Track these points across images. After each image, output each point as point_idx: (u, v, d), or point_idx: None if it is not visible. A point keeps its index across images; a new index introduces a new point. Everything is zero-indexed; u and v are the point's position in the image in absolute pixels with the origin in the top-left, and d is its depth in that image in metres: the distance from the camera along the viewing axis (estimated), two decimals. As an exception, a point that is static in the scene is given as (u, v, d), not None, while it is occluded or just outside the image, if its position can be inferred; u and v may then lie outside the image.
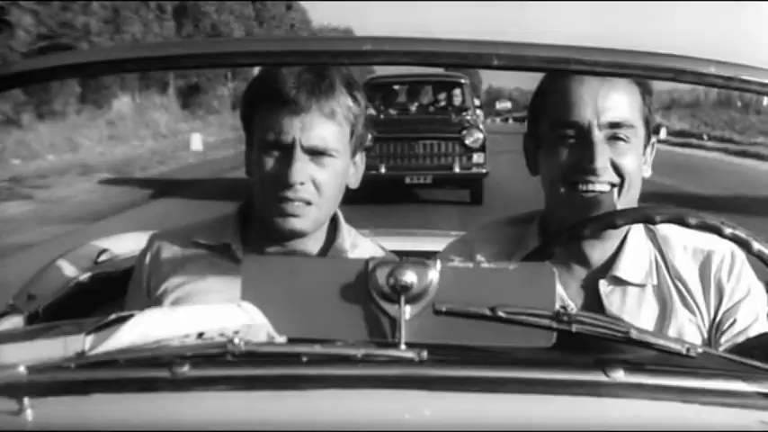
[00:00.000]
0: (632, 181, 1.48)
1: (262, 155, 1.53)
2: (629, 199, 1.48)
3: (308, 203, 1.52)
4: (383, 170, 11.12)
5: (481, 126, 12.23)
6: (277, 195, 1.51)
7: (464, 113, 12.60)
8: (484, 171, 11.67)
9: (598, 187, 1.46)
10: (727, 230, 1.36)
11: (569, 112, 1.46)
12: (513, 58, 1.05)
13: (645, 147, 1.53)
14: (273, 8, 37.60)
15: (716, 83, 1.07)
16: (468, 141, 11.59)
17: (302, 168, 1.50)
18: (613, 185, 1.47)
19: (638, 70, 1.08)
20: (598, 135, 1.45)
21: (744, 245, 1.36)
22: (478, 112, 13.58)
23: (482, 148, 11.64)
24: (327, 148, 1.52)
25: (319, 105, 1.51)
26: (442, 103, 13.51)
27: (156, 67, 1.13)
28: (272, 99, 1.51)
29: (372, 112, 11.50)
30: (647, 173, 1.56)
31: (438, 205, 11.86)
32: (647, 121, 1.52)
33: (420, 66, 1.17)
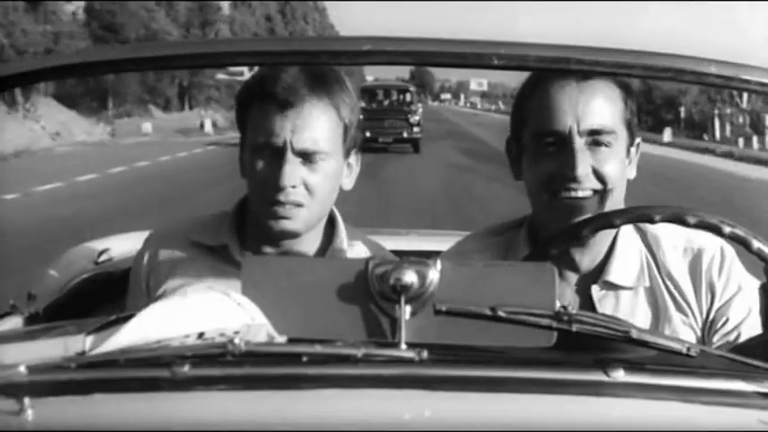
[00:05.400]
0: (615, 186, 1.48)
1: (253, 157, 1.52)
2: (612, 202, 1.48)
3: (299, 206, 1.51)
4: (368, 134, 20.65)
5: (419, 112, 25.44)
6: (268, 198, 1.50)
7: (411, 106, 25.69)
8: (419, 136, 24.87)
9: (580, 194, 1.46)
10: (727, 229, 1.35)
11: (549, 121, 1.46)
12: (513, 57, 1.05)
13: (628, 149, 1.53)
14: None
15: (716, 83, 1.07)
16: (411, 120, 24.62)
17: (293, 171, 1.49)
18: (596, 191, 1.46)
19: (639, 70, 1.08)
20: (579, 142, 1.45)
21: (743, 243, 1.35)
22: (419, 104, 27.23)
23: (418, 124, 24.83)
24: (319, 149, 1.51)
25: (312, 106, 1.50)
26: (400, 100, 26.48)
27: (156, 67, 1.13)
28: (264, 100, 1.50)
29: (363, 104, 19.34)
30: (632, 174, 1.56)
31: (395, 153, 23.31)
32: (628, 124, 1.51)
33: (420, 66, 1.17)
